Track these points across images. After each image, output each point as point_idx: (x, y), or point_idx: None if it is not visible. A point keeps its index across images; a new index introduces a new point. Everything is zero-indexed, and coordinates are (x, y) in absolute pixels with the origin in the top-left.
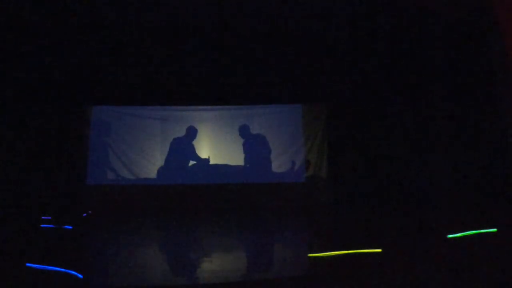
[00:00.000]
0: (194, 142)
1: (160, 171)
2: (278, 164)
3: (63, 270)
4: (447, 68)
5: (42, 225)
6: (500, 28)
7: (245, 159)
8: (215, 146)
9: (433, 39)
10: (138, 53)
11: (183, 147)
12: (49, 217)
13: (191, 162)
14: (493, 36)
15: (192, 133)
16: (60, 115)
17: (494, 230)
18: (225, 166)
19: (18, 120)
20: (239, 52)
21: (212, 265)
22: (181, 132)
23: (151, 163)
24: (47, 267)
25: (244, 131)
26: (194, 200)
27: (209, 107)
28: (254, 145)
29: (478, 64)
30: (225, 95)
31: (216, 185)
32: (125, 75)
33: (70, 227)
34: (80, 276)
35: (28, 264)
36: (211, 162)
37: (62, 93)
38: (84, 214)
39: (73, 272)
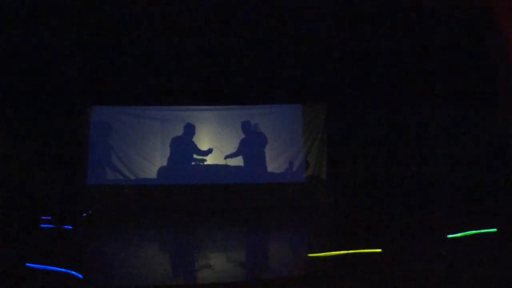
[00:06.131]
0: (194, 139)
1: (161, 171)
2: (278, 164)
3: (63, 270)
4: (447, 68)
5: (42, 225)
6: (500, 28)
7: (241, 156)
8: (215, 146)
9: (433, 38)
10: (138, 53)
11: (184, 145)
12: (49, 217)
13: (196, 158)
14: (493, 36)
15: (190, 130)
16: (60, 115)
17: (494, 230)
18: (225, 166)
19: (18, 120)
20: (239, 52)
21: (212, 265)
22: (181, 131)
23: (151, 163)
24: (47, 267)
25: (246, 127)
26: (194, 200)
27: (209, 107)
28: (253, 143)
29: (478, 64)
30: (225, 95)
31: (216, 185)
32: (125, 75)
33: (70, 227)
34: (80, 276)
35: (28, 264)
36: (211, 162)
37: (62, 93)
38: (84, 214)
39: (73, 272)
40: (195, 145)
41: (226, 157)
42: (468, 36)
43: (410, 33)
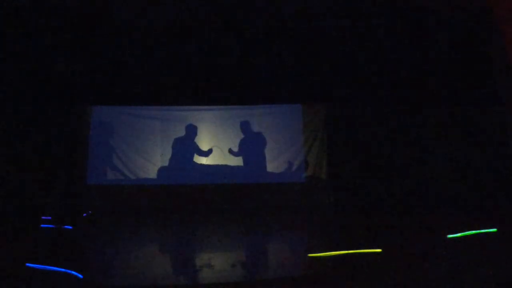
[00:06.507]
0: (196, 140)
1: (161, 171)
2: (278, 164)
3: (63, 270)
4: (447, 68)
5: (42, 225)
6: (500, 29)
7: (241, 157)
8: (215, 146)
9: (433, 39)
10: (138, 53)
11: (185, 146)
12: (49, 217)
13: (197, 160)
14: (493, 36)
15: (192, 131)
16: (60, 115)
17: (494, 230)
18: (225, 166)
19: (18, 120)
20: (239, 52)
21: (212, 265)
22: (181, 132)
23: (151, 163)
24: (47, 267)
25: (245, 127)
26: (194, 200)
27: (209, 107)
28: (253, 143)
29: (478, 63)
30: (225, 95)
31: (216, 185)
32: (125, 75)
33: (70, 227)
34: (80, 276)
35: (28, 264)
36: (211, 162)
37: (62, 93)
38: (84, 214)
39: (73, 272)
40: (197, 145)
41: (230, 150)
42: (468, 36)
43: (410, 33)
